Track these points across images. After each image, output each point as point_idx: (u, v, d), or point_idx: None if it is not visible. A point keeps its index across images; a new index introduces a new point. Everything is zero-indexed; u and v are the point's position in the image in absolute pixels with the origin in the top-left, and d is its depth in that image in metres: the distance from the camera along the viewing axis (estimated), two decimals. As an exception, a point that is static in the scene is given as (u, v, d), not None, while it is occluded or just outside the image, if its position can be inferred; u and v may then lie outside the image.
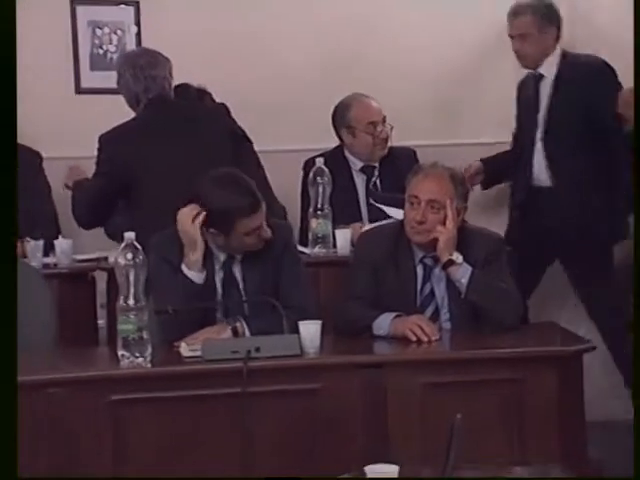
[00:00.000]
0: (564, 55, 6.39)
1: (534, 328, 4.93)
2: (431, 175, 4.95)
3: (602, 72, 6.31)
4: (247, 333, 4.77)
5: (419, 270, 4.96)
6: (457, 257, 4.82)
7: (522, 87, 6.60)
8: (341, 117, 6.28)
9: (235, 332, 4.77)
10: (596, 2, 6.76)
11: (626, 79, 5.99)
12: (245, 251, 4.94)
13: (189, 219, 4.80)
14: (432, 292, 4.95)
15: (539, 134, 6.38)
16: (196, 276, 4.85)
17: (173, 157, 5.63)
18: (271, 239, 4.94)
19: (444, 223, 4.82)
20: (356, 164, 6.31)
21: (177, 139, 5.72)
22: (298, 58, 6.66)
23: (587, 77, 6.32)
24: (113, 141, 5.85)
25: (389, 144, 6.27)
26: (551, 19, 6.37)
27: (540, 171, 6.38)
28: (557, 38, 6.39)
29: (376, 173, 6.27)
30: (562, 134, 6.33)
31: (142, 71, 5.91)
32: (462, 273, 4.82)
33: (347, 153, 6.30)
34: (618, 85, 6.20)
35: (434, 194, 4.85)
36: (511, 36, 6.38)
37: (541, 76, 6.41)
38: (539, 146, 6.38)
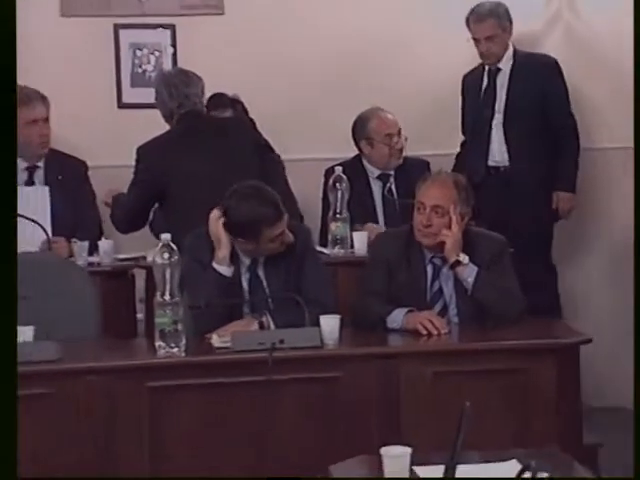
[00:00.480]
0: (515, 51, 6.48)
1: (535, 322, 4.88)
2: (436, 182, 4.94)
3: (553, 68, 6.48)
4: (272, 326, 4.75)
5: (429, 269, 4.95)
6: (464, 258, 4.81)
7: (470, 79, 6.61)
8: (360, 129, 6.27)
9: (261, 325, 4.77)
10: (592, 26, 6.69)
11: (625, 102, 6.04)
12: (264, 255, 4.95)
13: (214, 221, 4.82)
14: (440, 289, 4.93)
15: (497, 120, 6.45)
16: (225, 270, 4.85)
17: (203, 166, 5.63)
18: (295, 240, 4.94)
19: (449, 227, 4.80)
20: (373, 172, 6.30)
21: (207, 150, 5.73)
22: (320, 74, 6.62)
23: (541, 71, 6.47)
24: (150, 152, 5.87)
25: (404, 154, 6.23)
26: (509, 19, 6.43)
27: (498, 152, 6.46)
28: (510, 35, 6.46)
29: (391, 180, 6.25)
30: (519, 119, 6.42)
31: (176, 89, 5.92)
32: (468, 273, 4.81)
33: (365, 162, 6.29)
34: (564, 81, 6.46)
35: (438, 200, 4.83)
36: (476, 39, 6.38)
37: (498, 70, 6.47)
38: (497, 130, 6.45)
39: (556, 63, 6.47)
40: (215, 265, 4.84)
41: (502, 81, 6.47)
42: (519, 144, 6.41)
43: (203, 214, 4.92)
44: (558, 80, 6.47)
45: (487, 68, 6.49)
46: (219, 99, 6.06)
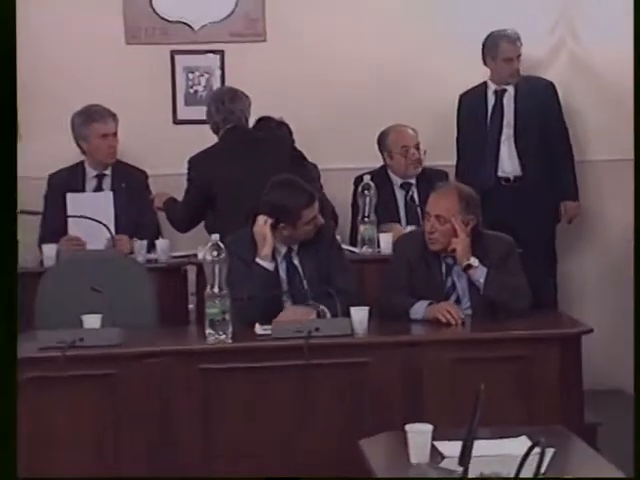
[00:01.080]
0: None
1: (541, 314, 4.87)
2: (439, 194, 4.94)
3: (551, 89, 6.44)
4: (328, 315, 4.75)
5: (443, 267, 4.92)
6: (474, 261, 4.79)
7: (470, 98, 6.53)
8: (382, 142, 6.27)
9: (318, 314, 4.76)
10: (593, 53, 6.67)
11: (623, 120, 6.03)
12: (301, 241, 4.98)
13: (262, 222, 4.83)
14: (454, 284, 4.91)
15: (505, 134, 6.40)
16: (268, 265, 4.87)
17: (244, 175, 5.61)
18: (321, 232, 5.02)
19: (455, 234, 4.80)
20: (397, 181, 6.27)
21: (248, 160, 5.71)
22: (350, 94, 6.58)
23: (541, 92, 6.42)
24: (198, 163, 5.89)
25: (422, 165, 6.21)
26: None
27: (507, 164, 6.39)
28: None
29: (413, 189, 6.24)
30: (526, 134, 6.37)
31: (222, 104, 5.97)
32: (479, 274, 4.79)
33: (389, 172, 6.26)
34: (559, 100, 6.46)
35: (440, 210, 4.83)
36: (509, 59, 6.34)
37: (504, 90, 6.42)
38: (507, 144, 6.39)
39: (552, 84, 6.44)
40: (259, 261, 4.86)
41: (508, 100, 6.42)
42: (527, 156, 6.36)
43: (244, 216, 4.98)
44: (555, 99, 6.44)
45: (494, 88, 6.43)
46: (267, 121, 6.05)
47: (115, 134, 6.16)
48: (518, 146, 6.37)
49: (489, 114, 6.44)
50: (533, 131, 6.36)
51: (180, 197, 6.21)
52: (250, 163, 5.64)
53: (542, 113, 6.39)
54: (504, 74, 6.37)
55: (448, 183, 5.14)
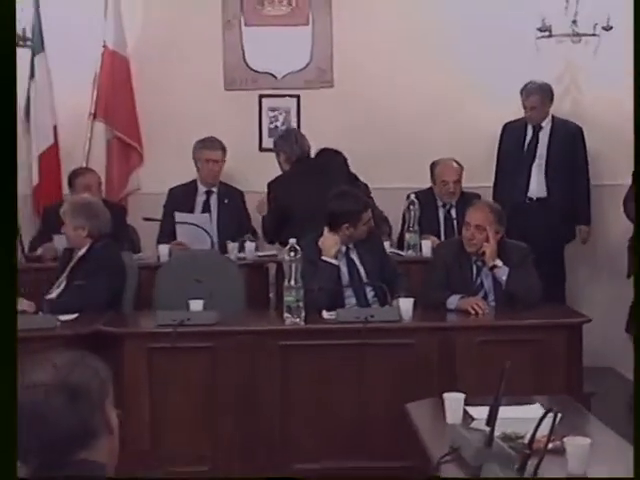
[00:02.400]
0: (553, 117, 6.33)
1: (551, 307, 4.83)
2: (477, 208, 4.92)
3: (578, 131, 6.31)
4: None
5: (474, 268, 4.88)
6: (499, 262, 4.76)
7: (512, 128, 6.41)
8: (432, 170, 6.19)
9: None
10: (592, 99, 6.60)
11: (620, 153, 6.07)
12: (355, 241, 4.96)
13: (332, 236, 4.89)
14: (482, 282, 4.86)
15: (537, 163, 6.27)
16: (334, 261, 4.86)
17: (312, 193, 5.54)
18: (372, 234, 5.04)
19: (487, 240, 4.77)
20: (439, 201, 6.19)
21: (313, 182, 5.67)
22: (403, 126, 6.51)
23: (570, 132, 6.30)
24: (276, 186, 5.89)
25: (456, 197, 6.11)
26: (551, 96, 6.27)
27: (536, 187, 6.25)
28: (551, 106, 6.33)
29: (452, 208, 6.14)
30: (555, 163, 6.25)
31: (296, 143, 6.04)
32: (502, 273, 4.75)
33: (435, 193, 6.21)
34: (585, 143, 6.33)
35: (478, 221, 4.81)
36: (525, 107, 6.25)
37: (541, 127, 6.31)
38: (538, 171, 6.26)
39: (581, 129, 6.31)
40: (326, 258, 4.85)
41: (543, 136, 6.30)
42: (552, 183, 6.24)
43: (312, 226, 4.99)
44: (582, 140, 6.30)
45: (531, 124, 6.32)
46: (326, 151, 6.08)
47: (218, 161, 6.18)
48: (547, 174, 6.25)
49: (526, 144, 6.32)
50: (560, 163, 6.24)
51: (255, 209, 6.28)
52: (315, 184, 5.61)
53: (570, 150, 6.26)
54: (528, 117, 6.29)
55: (481, 200, 5.15)
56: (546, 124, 6.30)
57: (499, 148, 6.41)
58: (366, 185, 6.10)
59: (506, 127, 6.40)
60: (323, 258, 4.87)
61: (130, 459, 3.99)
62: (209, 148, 6.17)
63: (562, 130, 6.29)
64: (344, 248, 4.97)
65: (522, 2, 6.28)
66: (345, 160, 6.02)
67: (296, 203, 5.69)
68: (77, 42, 6.44)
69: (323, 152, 6.09)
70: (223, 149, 6.20)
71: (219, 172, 6.23)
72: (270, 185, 5.93)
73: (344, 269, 4.95)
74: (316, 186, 5.49)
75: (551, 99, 6.28)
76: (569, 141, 6.28)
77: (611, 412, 4.12)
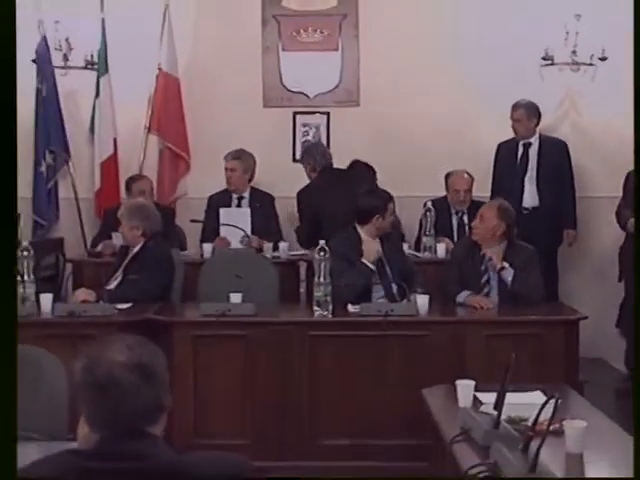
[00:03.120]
0: (540, 135, 6.27)
1: (550, 304, 4.81)
2: (488, 204, 4.98)
3: (563, 146, 6.26)
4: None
5: (482, 267, 4.82)
6: (506, 265, 4.72)
7: (504, 149, 6.35)
8: (446, 180, 6.17)
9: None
10: (589, 121, 6.57)
11: (611, 170, 6.03)
12: (383, 233, 4.95)
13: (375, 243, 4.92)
14: (488, 280, 4.80)
15: (528, 176, 6.21)
16: (372, 266, 4.84)
17: (337, 200, 5.53)
18: (391, 238, 5.04)
19: (492, 234, 4.78)
20: (452, 208, 6.16)
21: (341, 190, 5.62)
22: (420, 142, 6.47)
23: (556, 147, 6.24)
24: (305, 196, 5.90)
25: (466, 205, 6.08)
26: (535, 113, 6.21)
27: (529, 198, 6.19)
28: (537, 124, 6.25)
29: (464, 214, 6.10)
30: (544, 176, 6.19)
31: (323, 155, 6.06)
32: (508, 274, 4.71)
33: (449, 201, 6.17)
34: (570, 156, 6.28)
35: (482, 212, 4.86)
36: (512, 119, 6.22)
37: (530, 144, 6.25)
38: (530, 184, 6.20)
39: (565, 144, 6.29)
40: (365, 261, 4.83)
41: (533, 152, 6.26)
42: (542, 193, 6.20)
43: (338, 228, 5.00)
44: (567, 154, 6.26)
45: (522, 142, 6.28)
46: (357, 162, 6.08)
47: (234, 170, 6.16)
48: (537, 186, 6.21)
49: (518, 160, 6.28)
50: (548, 176, 6.20)
51: (290, 214, 6.31)
52: (340, 192, 5.59)
53: (556, 164, 6.23)
54: (514, 130, 6.25)
55: (497, 199, 5.08)
56: (534, 141, 6.26)
57: (494, 164, 6.36)
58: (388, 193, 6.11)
59: (500, 146, 6.37)
60: (363, 260, 4.84)
61: (177, 433, 4.05)
62: (226, 158, 6.19)
63: (548, 146, 6.26)
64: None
65: (528, 34, 6.26)
66: (374, 172, 6.02)
67: (325, 209, 5.69)
68: (136, 65, 6.49)
69: (354, 163, 6.10)
70: (239, 159, 6.17)
71: (237, 180, 6.19)
72: (299, 195, 5.93)
73: (373, 267, 4.90)
74: (344, 194, 5.46)
75: (536, 116, 6.22)
76: (556, 155, 6.24)
77: (602, 398, 4.11)
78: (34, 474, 1.88)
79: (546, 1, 6.16)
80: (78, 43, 6.47)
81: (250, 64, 6.64)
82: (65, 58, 6.50)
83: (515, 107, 6.21)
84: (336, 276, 4.56)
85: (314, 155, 6.08)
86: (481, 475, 2.50)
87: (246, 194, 6.26)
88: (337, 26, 6.69)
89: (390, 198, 4.99)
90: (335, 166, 6.12)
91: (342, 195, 5.48)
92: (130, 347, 1.89)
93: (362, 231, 4.92)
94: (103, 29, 6.44)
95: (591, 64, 6.28)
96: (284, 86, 6.73)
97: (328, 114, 6.78)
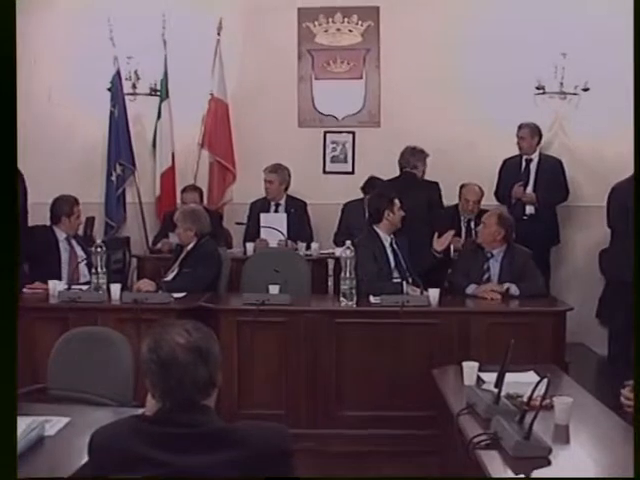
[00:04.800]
0: (540, 153, 6.24)
1: (542, 298, 4.72)
2: (490, 212, 4.88)
3: (558, 163, 6.21)
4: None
5: (483, 258, 4.77)
6: (511, 287, 4.60)
7: (509, 164, 6.26)
8: (460, 191, 6.00)
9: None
10: (575, 142, 6.51)
11: (596, 182, 5.90)
12: (396, 228, 4.87)
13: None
14: (488, 268, 4.74)
15: (530, 187, 6.14)
16: (390, 256, 4.82)
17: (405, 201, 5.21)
18: (399, 235, 4.94)
19: (495, 239, 4.74)
20: (462, 215, 5.95)
21: (406, 195, 5.28)
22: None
23: (554, 164, 6.19)
24: (378, 190, 5.59)
25: (474, 213, 5.84)
26: (537, 133, 6.17)
27: (528, 206, 6.10)
28: (539, 143, 6.21)
29: (472, 221, 5.87)
30: (542, 188, 6.12)
31: (403, 156, 5.88)
32: (514, 291, 4.59)
33: (459, 208, 6.00)
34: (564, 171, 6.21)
35: (484, 220, 4.81)
36: (517, 136, 6.17)
37: (531, 159, 6.20)
38: (531, 193, 6.11)
39: (560, 161, 6.23)
40: (384, 253, 4.81)
41: (533, 167, 6.20)
42: (540, 202, 6.12)
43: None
44: (562, 171, 6.20)
45: (524, 158, 6.22)
46: (374, 180, 6.02)
47: (271, 182, 6.14)
48: (537, 194, 6.13)
49: (521, 173, 6.21)
50: (545, 187, 6.13)
51: (320, 218, 6.29)
52: (408, 196, 5.31)
53: (552, 177, 6.16)
54: (518, 146, 6.21)
55: (498, 208, 4.95)
56: (535, 157, 6.21)
57: (499, 177, 6.30)
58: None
59: (505, 162, 6.31)
60: (383, 254, 4.79)
61: (223, 405, 4.08)
62: (265, 171, 6.18)
63: (546, 162, 6.22)
64: (389, 239, 4.86)
65: (524, 68, 6.23)
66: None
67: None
68: (192, 92, 6.52)
69: (370, 180, 6.03)
70: (275, 172, 6.16)
71: (274, 190, 6.17)
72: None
73: (391, 257, 4.85)
74: (409, 198, 5.25)
75: (538, 135, 6.19)
76: (552, 170, 6.19)
77: (584, 377, 4.06)
78: (107, 434, 1.92)
79: (539, 42, 6.16)
80: (144, 74, 6.55)
81: (287, 91, 6.66)
82: (134, 86, 6.57)
83: (521, 127, 6.18)
84: (361, 269, 4.50)
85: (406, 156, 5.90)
86: (483, 443, 2.50)
87: (282, 201, 6.26)
88: (361, 58, 6.69)
89: (395, 195, 4.91)
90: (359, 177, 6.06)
91: (409, 199, 5.29)
92: (189, 331, 1.90)
93: (378, 229, 4.87)
94: (165, 62, 6.51)
95: (575, 94, 6.32)
96: (316, 109, 6.73)
97: (354, 133, 6.76)
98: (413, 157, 5.90)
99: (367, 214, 5.04)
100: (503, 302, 4.55)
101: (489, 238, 4.77)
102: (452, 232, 5.16)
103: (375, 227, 4.88)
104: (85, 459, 2.03)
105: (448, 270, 5.11)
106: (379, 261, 4.76)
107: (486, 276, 4.72)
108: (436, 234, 5.09)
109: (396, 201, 4.86)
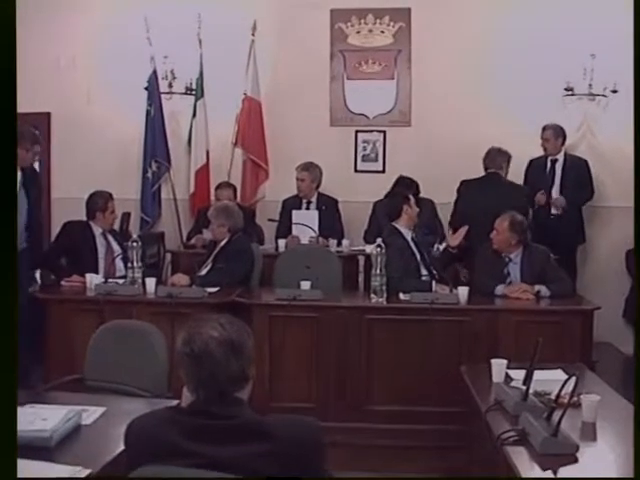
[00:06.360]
0: (565, 153, 6.17)
1: (570, 297, 4.68)
2: (501, 216, 4.70)
3: (583, 163, 6.15)
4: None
5: (503, 262, 4.68)
6: (540, 289, 4.51)
7: (535, 164, 6.19)
8: None
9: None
10: (603, 143, 6.43)
11: (622, 183, 5.81)
12: (414, 224, 4.88)
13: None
14: (508, 272, 4.66)
15: (555, 188, 6.08)
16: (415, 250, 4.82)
17: (485, 200, 5.27)
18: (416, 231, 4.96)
19: (506, 242, 4.66)
20: None
21: (484, 195, 5.38)
22: (456, 159, 6.29)
23: (579, 164, 6.13)
24: (462, 190, 5.58)
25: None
26: (562, 134, 6.11)
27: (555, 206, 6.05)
28: (563, 144, 6.14)
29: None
30: (568, 188, 6.06)
31: (489, 154, 5.65)
32: (545, 292, 4.50)
33: None
34: (590, 170, 6.11)
35: (497, 226, 4.69)
36: (545, 140, 6.11)
37: (556, 160, 6.14)
38: (556, 192, 6.05)
39: (586, 161, 6.17)
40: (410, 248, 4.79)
41: (558, 167, 6.16)
42: (566, 200, 6.07)
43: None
44: (587, 170, 6.14)
45: (550, 158, 6.17)
46: (404, 179, 5.96)
47: (304, 180, 6.14)
48: (562, 194, 6.09)
49: (547, 173, 6.17)
50: (571, 186, 6.08)
51: (351, 215, 6.25)
52: (486, 197, 5.33)
53: (578, 177, 6.11)
54: (543, 147, 6.14)
55: (509, 212, 4.76)
56: (560, 157, 6.16)
57: (525, 177, 6.23)
58: (431, 201, 6.03)
59: (531, 162, 6.26)
60: (409, 248, 4.78)
61: (255, 398, 4.09)
62: (297, 169, 6.18)
63: (571, 162, 6.15)
64: (409, 234, 4.85)
65: (553, 70, 6.21)
66: (417, 186, 5.82)
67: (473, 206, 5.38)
68: (226, 91, 6.54)
69: (400, 179, 5.96)
70: (308, 170, 6.15)
71: (306, 187, 6.17)
72: (460, 187, 5.62)
73: (416, 251, 4.83)
74: (487, 197, 5.26)
75: (562, 136, 6.13)
76: (577, 170, 6.13)
77: (610, 376, 4.01)
78: (143, 424, 1.93)
79: (569, 44, 6.12)
80: (180, 73, 6.59)
81: (320, 90, 6.66)
82: (170, 86, 6.62)
83: (545, 128, 6.14)
84: (390, 267, 4.48)
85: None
86: (511, 439, 2.49)
87: (314, 199, 6.27)
88: (393, 59, 6.67)
89: (410, 193, 4.96)
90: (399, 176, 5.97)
91: (488, 198, 5.28)
92: (223, 325, 1.91)
93: (399, 225, 4.86)
94: (201, 62, 6.55)
95: (604, 95, 6.28)
96: (348, 108, 6.72)
97: (384, 132, 6.74)
98: (500, 157, 5.64)
99: (387, 214, 5.00)
100: (533, 301, 4.51)
101: (504, 244, 4.69)
102: (466, 227, 5.05)
103: (395, 224, 4.88)
104: (121, 448, 2.06)
105: (456, 265, 5.06)
106: (406, 256, 4.75)
107: (508, 281, 4.67)
108: (450, 230, 5.06)
109: (411, 197, 4.88)
